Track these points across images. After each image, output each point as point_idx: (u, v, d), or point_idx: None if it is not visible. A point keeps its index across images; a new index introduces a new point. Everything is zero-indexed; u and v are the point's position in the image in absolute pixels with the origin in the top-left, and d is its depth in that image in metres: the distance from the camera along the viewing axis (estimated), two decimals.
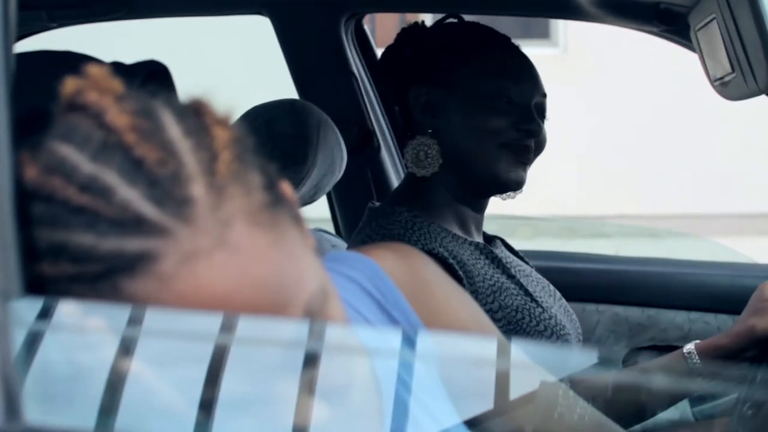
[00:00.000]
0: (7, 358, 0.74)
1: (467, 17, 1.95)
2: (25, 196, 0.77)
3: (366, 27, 2.50)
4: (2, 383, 0.73)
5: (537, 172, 1.89)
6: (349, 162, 2.07)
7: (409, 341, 0.81)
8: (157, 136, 0.76)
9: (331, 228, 2.50)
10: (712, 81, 1.61)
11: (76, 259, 0.74)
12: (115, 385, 0.73)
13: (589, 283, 2.35)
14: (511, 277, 1.77)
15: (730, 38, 1.45)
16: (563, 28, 8.72)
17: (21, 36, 2.23)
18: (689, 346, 1.76)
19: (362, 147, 2.42)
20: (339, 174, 2.03)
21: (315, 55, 2.43)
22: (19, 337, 0.74)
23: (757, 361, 1.72)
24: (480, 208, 1.85)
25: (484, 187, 1.80)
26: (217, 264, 0.74)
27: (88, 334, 0.74)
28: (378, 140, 2.46)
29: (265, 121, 1.94)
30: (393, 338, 0.82)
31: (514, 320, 1.69)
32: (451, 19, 1.91)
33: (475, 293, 1.69)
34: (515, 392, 0.76)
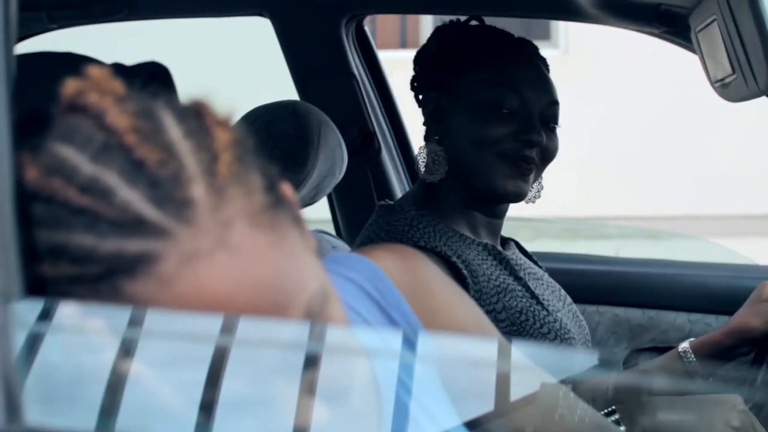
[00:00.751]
0: (8, 359, 0.74)
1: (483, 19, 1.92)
2: (25, 197, 0.77)
3: (366, 28, 2.50)
4: (3, 384, 0.73)
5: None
6: (350, 163, 2.07)
7: (408, 342, 0.81)
8: (157, 137, 0.76)
9: (331, 229, 2.50)
10: (712, 82, 1.61)
11: (76, 260, 0.74)
12: (115, 386, 0.73)
13: (590, 284, 2.35)
14: (518, 278, 1.77)
15: (730, 39, 1.45)
16: (564, 29, 8.72)
17: (21, 37, 2.23)
18: (684, 345, 1.77)
19: (363, 148, 2.42)
20: (340, 175, 2.03)
21: (315, 56, 2.43)
22: (19, 339, 0.74)
23: (750, 358, 1.73)
24: (494, 213, 1.83)
25: (484, 196, 1.79)
26: (218, 265, 0.74)
27: (89, 335, 0.74)
28: (378, 141, 2.46)
29: (266, 123, 1.94)
30: (393, 339, 0.82)
31: (518, 321, 1.69)
32: (473, 21, 1.89)
33: (480, 293, 1.69)
34: (515, 394, 0.76)
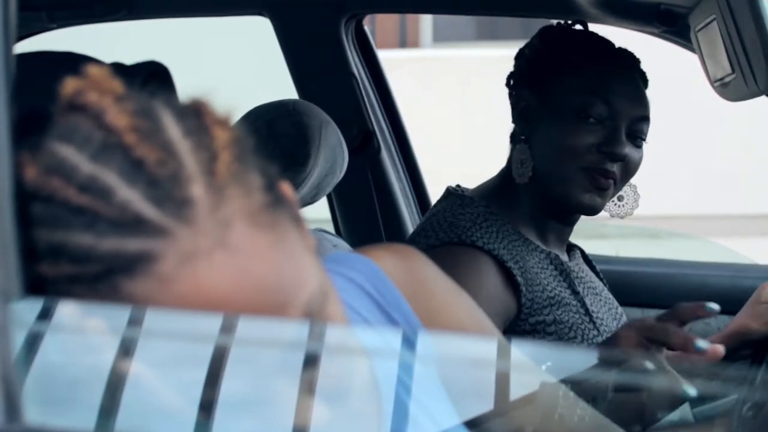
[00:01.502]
0: (8, 359, 0.73)
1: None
2: (24, 197, 0.77)
3: (366, 28, 2.50)
4: (2, 384, 0.73)
5: None
6: (350, 162, 2.07)
7: (408, 342, 0.81)
8: (157, 136, 0.76)
9: (331, 229, 2.50)
10: (712, 82, 1.61)
11: (75, 260, 0.74)
12: (115, 386, 0.73)
13: None
14: (575, 292, 1.74)
15: (730, 39, 1.45)
16: None
17: (21, 37, 2.23)
18: None
19: (362, 147, 2.42)
20: (340, 175, 2.03)
21: (315, 55, 2.42)
22: (19, 338, 0.74)
23: (750, 361, 1.73)
24: (565, 222, 1.81)
25: (558, 205, 1.77)
26: (217, 264, 0.74)
27: (88, 335, 0.74)
28: (378, 141, 2.46)
29: (266, 122, 1.94)
30: (392, 339, 0.82)
31: (566, 337, 1.67)
32: (578, 26, 1.86)
33: (532, 302, 1.67)
34: (515, 393, 0.76)
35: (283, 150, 1.89)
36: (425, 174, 2.58)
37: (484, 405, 0.76)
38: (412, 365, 0.82)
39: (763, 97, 1.45)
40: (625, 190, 1.81)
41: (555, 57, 1.78)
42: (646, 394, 0.75)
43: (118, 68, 0.83)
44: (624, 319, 1.84)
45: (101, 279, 0.73)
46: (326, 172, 1.97)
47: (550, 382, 0.77)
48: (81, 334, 0.74)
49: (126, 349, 0.74)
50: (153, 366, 0.73)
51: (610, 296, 1.87)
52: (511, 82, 1.83)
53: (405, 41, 9.34)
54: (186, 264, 0.73)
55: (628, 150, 1.73)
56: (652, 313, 2.27)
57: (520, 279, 1.67)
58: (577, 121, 1.72)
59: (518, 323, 1.67)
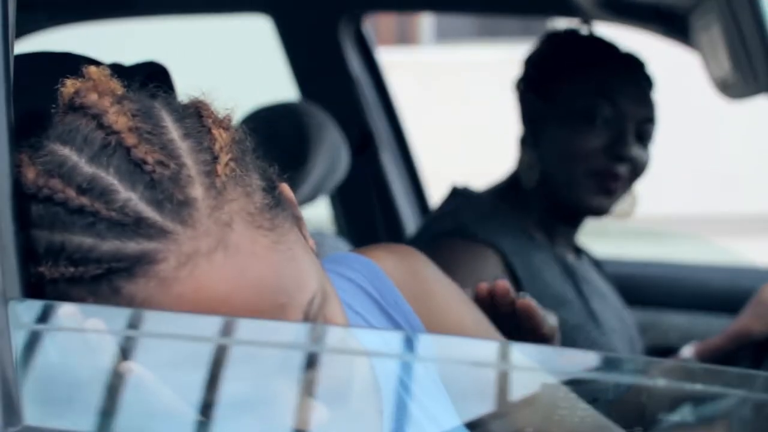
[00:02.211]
0: (7, 360, 0.73)
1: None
2: (24, 198, 0.77)
3: (366, 27, 2.49)
4: (2, 385, 0.73)
5: None
6: (350, 162, 2.07)
7: (409, 343, 0.81)
8: (156, 137, 0.76)
9: (331, 228, 2.49)
10: (713, 81, 1.61)
11: (75, 261, 0.74)
12: (114, 387, 0.73)
13: None
14: (580, 293, 1.75)
15: (730, 38, 1.45)
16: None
17: (20, 36, 2.23)
18: (687, 352, 1.76)
19: (362, 148, 2.42)
20: (341, 175, 2.03)
21: (315, 55, 2.43)
22: (18, 340, 0.74)
23: (751, 361, 1.72)
24: (575, 224, 1.81)
25: (566, 208, 1.77)
26: (217, 265, 0.74)
27: (88, 336, 0.73)
28: (378, 141, 2.46)
29: (266, 122, 1.94)
30: (393, 340, 0.82)
31: (568, 337, 1.66)
32: (584, 28, 1.85)
33: (533, 298, 1.67)
34: (516, 394, 0.76)
35: (283, 150, 1.89)
36: (425, 174, 2.58)
37: (484, 406, 0.76)
38: (413, 366, 0.82)
39: (764, 95, 1.45)
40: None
41: (561, 61, 1.78)
42: (647, 395, 0.75)
43: (117, 69, 0.83)
44: (629, 322, 1.84)
45: (101, 280, 0.73)
46: (326, 172, 1.97)
47: (551, 384, 0.77)
48: (81, 336, 0.74)
49: (125, 351, 0.74)
50: (152, 367, 0.73)
51: (617, 300, 1.87)
52: (519, 86, 1.83)
53: (404, 38, 9.34)
54: (186, 265, 0.73)
55: (636, 151, 1.73)
56: (652, 314, 2.28)
57: (521, 274, 1.67)
58: (584, 123, 1.72)
59: None
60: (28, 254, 0.76)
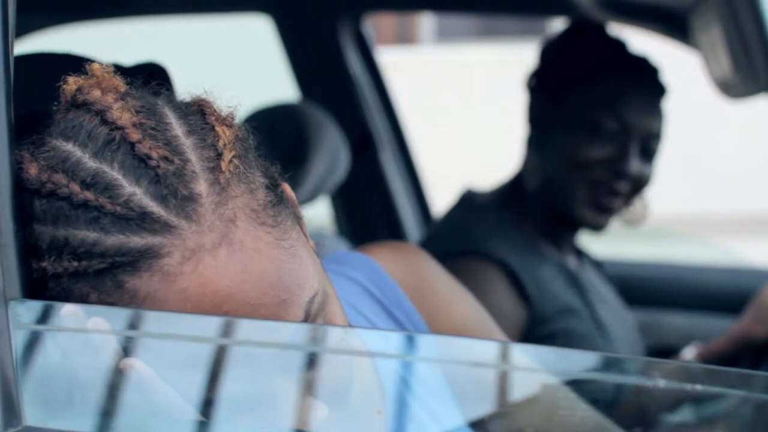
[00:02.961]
0: (7, 360, 0.73)
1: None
2: (25, 194, 0.77)
3: (366, 27, 2.49)
4: (2, 385, 0.73)
5: None
6: (350, 162, 2.07)
7: (411, 342, 0.81)
8: (161, 133, 0.76)
9: (331, 228, 2.49)
10: (713, 81, 1.61)
11: (79, 255, 0.74)
12: (114, 387, 0.73)
13: None
14: (586, 302, 1.74)
15: (730, 38, 1.45)
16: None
17: (20, 36, 2.23)
18: (688, 355, 1.76)
19: (362, 148, 2.42)
20: (341, 174, 2.03)
21: (315, 55, 2.43)
22: (18, 340, 0.74)
23: (751, 362, 1.72)
24: (574, 229, 1.79)
25: (560, 215, 1.75)
26: (221, 261, 0.74)
27: (88, 336, 0.73)
28: (378, 141, 2.46)
29: (266, 123, 1.94)
30: (395, 339, 0.82)
31: (577, 346, 1.65)
32: (589, 28, 1.83)
33: (543, 312, 1.66)
34: (517, 394, 0.76)
35: (283, 150, 1.89)
36: (425, 174, 2.58)
37: (486, 405, 0.76)
38: (415, 365, 0.82)
39: (764, 95, 1.45)
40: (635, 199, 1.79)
41: (574, 62, 1.76)
42: (647, 395, 0.75)
43: (117, 69, 0.83)
44: (629, 325, 1.84)
45: (105, 274, 0.73)
46: (326, 172, 1.97)
47: (553, 384, 0.76)
48: (81, 336, 0.74)
49: (125, 351, 0.74)
50: (152, 367, 0.73)
51: (618, 303, 1.87)
52: (530, 83, 1.81)
53: (404, 38, 9.34)
54: (190, 260, 0.73)
55: (638, 167, 1.71)
56: (652, 315, 2.28)
57: (531, 290, 1.66)
58: (588, 134, 1.70)
59: (530, 334, 1.66)
60: (31, 250, 0.76)
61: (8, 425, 0.72)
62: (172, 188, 0.74)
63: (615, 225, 1.82)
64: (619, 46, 1.79)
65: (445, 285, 1.06)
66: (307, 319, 0.77)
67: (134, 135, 0.75)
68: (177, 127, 0.77)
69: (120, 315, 0.73)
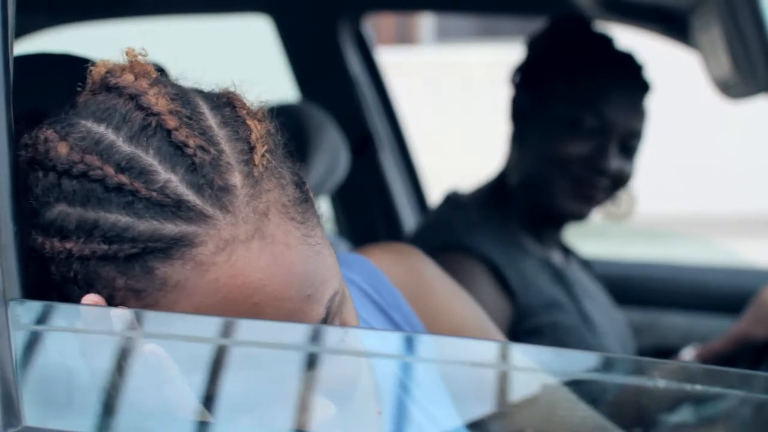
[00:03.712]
0: (7, 360, 0.73)
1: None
2: (52, 172, 0.76)
3: (366, 27, 2.49)
4: (2, 385, 0.73)
5: None
6: (350, 163, 2.07)
7: (409, 343, 0.81)
8: (196, 122, 0.76)
9: (331, 228, 2.49)
10: (713, 81, 1.61)
11: (109, 238, 0.73)
12: (114, 387, 0.73)
13: None
14: (571, 296, 1.74)
15: (730, 38, 1.45)
16: None
17: (20, 36, 2.23)
18: (687, 356, 1.76)
19: (362, 148, 2.42)
20: (341, 175, 2.03)
21: (315, 55, 2.43)
22: (18, 340, 0.74)
23: (751, 362, 1.72)
24: (558, 226, 1.80)
25: (545, 212, 1.76)
26: (254, 253, 0.74)
27: (88, 336, 0.73)
28: (378, 141, 2.46)
29: None
30: (393, 340, 0.82)
31: (561, 340, 1.66)
32: (574, 23, 1.83)
33: (528, 306, 1.67)
34: (516, 395, 0.76)
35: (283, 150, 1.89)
36: (425, 174, 2.58)
37: (485, 406, 0.76)
38: (413, 367, 0.82)
39: (764, 95, 1.45)
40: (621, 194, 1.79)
41: (557, 58, 1.76)
42: (647, 396, 0.75)
43: None
44: (618, 322, 1.84)
45: (135, 259, 0.73)
46: (326, 172, 1.97)
47: (552, 384, 0.76)
48: (81, 336, 0.74)
49: (126, 351, 0.74)
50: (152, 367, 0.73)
51: (607, 300, 1.87)
52: (514, 79, 1.82)
53: (404, 38, 9.34)
54: (224, 250, 0.73)
55: (617, 164, 1.72)
56: (652, 315, 2.28)
57: (515, 284, 1.67)
58: (568, 131, 1.70)
59: (516, 327, 1.67)
60: (49, 229, 0.75)
61: (8, 425, 0.72)
62: (208, 178, 0.74)
63: (608, 222, 1.82)
64: (604, 42, 1.79)
65: (443, 286, 1.06)
66: (327, 316, 0.77)
67: (171, 122, 0.75)
68: (210, 118, 0.77)
69: (119, 315, 0.73)
